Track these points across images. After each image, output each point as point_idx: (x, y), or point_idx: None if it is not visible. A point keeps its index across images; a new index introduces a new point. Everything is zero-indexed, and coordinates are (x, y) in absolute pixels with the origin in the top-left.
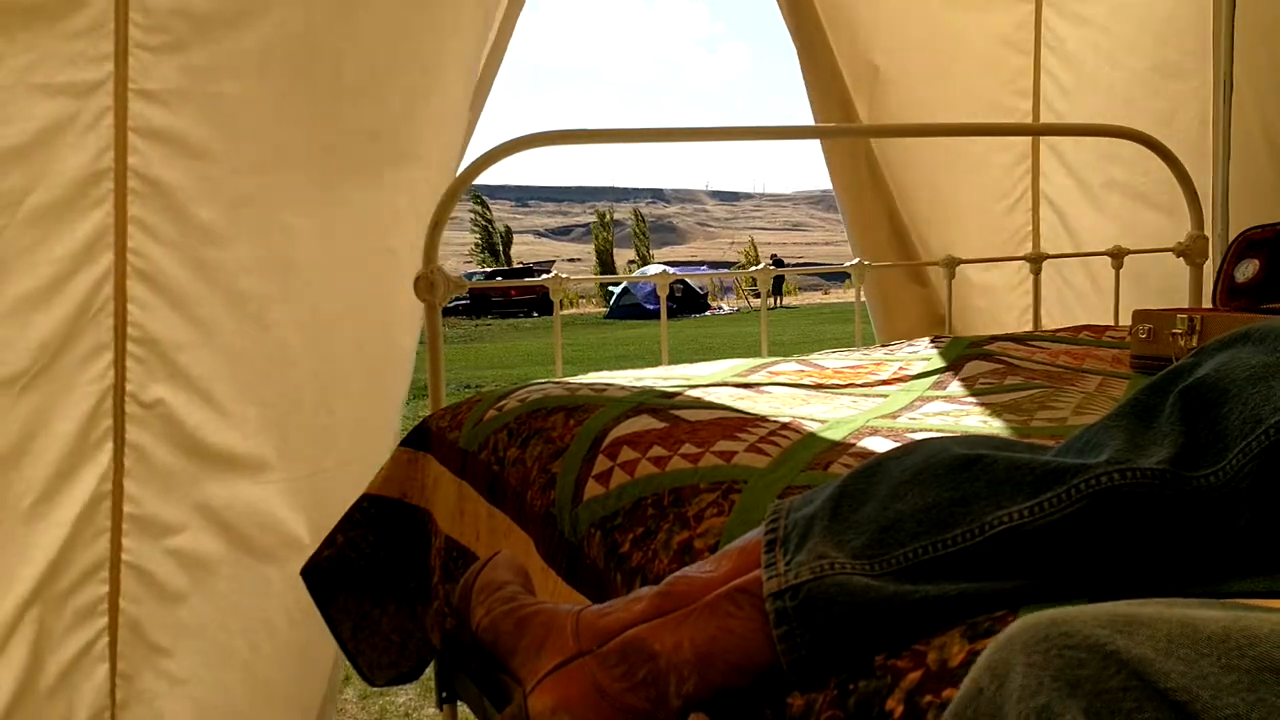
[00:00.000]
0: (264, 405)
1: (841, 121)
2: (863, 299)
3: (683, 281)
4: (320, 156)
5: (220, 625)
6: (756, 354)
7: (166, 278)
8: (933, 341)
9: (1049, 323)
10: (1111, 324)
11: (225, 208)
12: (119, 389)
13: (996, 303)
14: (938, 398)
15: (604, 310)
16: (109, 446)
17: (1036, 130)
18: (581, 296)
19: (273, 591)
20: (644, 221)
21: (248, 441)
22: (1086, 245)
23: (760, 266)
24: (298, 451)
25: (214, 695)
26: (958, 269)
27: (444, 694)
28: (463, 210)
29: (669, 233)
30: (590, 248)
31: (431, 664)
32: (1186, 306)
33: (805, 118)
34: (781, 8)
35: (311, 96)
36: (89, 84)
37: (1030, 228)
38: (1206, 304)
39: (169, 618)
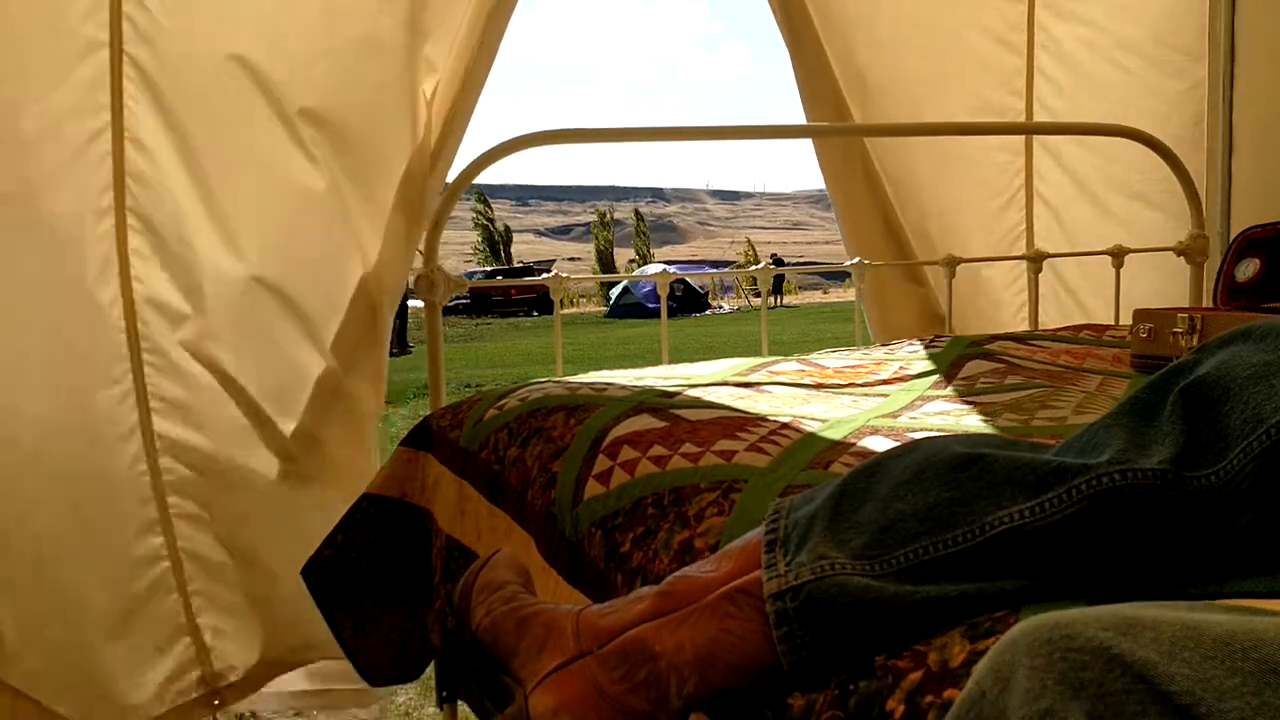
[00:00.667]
0: (270, 392)
1: (834, 121)
2: (863, 298)
3: (683, 281)
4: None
5: (277, 540)
6: (757, 353)
7: (167, 301)
8: (933, 341)
9: (1046, 322)
10: (1111, 323)
11: (212, 239)
12: (140, 387)
13: (992, 302)
14: (938, 397)
15: (604, 309)
16: (138, 436)
17: (1037, 129)
18: (582, 296)
19: (327, 505)
20: (644, 221)
21: (265, 417)
22: (1081, 244)
23: (760, 266)
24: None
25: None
26: (957, 268)
27: (444, 693)
28: (463, 209)
29: (669, 232)
30: (590, 247)
31: (432, 663)
32: (1187, 306)
33: (805, 117)
34: (774, 8)
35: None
36: (91, 131)
37: (1024, 226)
38: (1207, 303)
39: (228, 545)
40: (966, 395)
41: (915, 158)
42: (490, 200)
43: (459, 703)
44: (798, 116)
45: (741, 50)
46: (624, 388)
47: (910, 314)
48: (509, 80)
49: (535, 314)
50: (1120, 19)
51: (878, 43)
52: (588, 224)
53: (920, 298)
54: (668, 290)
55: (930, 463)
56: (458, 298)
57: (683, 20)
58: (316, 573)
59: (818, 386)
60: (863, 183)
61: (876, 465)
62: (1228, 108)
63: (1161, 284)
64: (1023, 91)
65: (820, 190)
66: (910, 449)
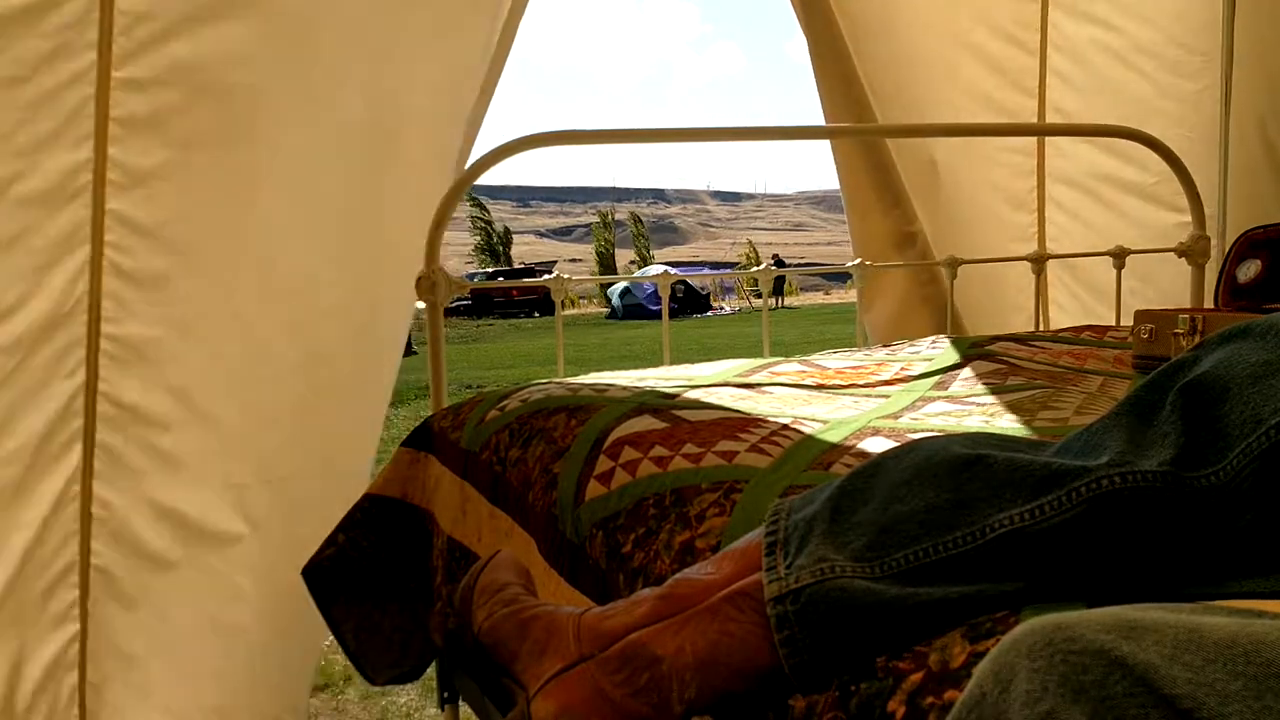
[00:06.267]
0: (243, 408)
1: (855, 121)
2: (866, 299)
3: (684, 282)
4: (311, 150)
5: (193, 630)
6: (758, 354)
7: (144, 274)
8: (935, 342)
9: (1068, 321)
10: (1113, 324)
11: (205, 205)
12: (90, 388)
13: (1006, 303)
14: (939, 398)
15: (606, 310)
16: (78, 447)
17: (1038, 130)
18: (583, 297)
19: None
20: (641, 224)
21: (221, 446)
22: (1096, 245)
23: (762, 267)
24: (274, 461)
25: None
26: (971, 268)
27: (445, 694)
28: (462, 211)
29: (671, 233)
30: (592, 248)
31: (433, 664)
32: (1189, 307)
33: (801, 117)
34: (796, 9)
35: (302, 88)
36: (73, 72)
37: (1035, 228)
38: (1209, 304)
39: (138, 624)
40: (968, 396)
41: (930, 157)
42: (491, 202)
43: (460, 703)
44: (792, 116)
45: (733, 51)
46: (625, 389)
47: (923, 316)
48: (507, 81)
49: (537, 315)
50: (1134, 18)
51: (896, 44)
52: (589, 225)
53: (932, 299)
54: (669, 291)
55: (930, 464)
56: (459, 299)
57: (675, 21)
58: (317, 573)
59: (819, 387)
60: (878, 184)
61: (876, 466)
62: (1225, 108)
63: (1172, 285)
64: (1034, 91)
65: (821, 191)
66: (909, 449)
